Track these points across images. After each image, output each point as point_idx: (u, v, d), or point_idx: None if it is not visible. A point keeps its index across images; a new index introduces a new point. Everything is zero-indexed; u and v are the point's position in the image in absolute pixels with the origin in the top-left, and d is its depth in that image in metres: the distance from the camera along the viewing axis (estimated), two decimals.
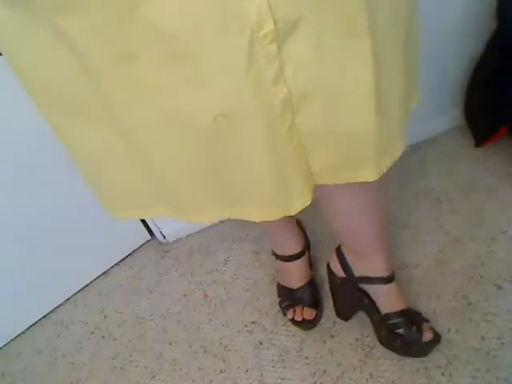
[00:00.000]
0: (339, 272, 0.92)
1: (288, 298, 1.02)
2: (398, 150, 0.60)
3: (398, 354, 0.92)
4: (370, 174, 0.58)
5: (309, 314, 0.99)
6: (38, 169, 1.04)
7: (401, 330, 0.89)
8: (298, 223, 1.09)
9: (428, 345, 0.89)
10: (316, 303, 1.02)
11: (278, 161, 0.54)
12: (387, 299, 0.90)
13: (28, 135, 0.98)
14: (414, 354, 0.91)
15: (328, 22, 0.45)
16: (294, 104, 0.49)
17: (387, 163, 0.59)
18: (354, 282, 0.90)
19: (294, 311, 1.00)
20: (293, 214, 0.60)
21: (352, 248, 0.88)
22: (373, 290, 0.90)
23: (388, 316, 0.90)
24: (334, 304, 0.99)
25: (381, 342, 0.94)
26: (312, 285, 1.03)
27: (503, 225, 1.07)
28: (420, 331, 0.89)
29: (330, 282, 0.97)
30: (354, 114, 0.52)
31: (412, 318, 0.90)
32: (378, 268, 0.87)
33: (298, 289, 1.02)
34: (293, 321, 1.00)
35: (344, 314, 0.99)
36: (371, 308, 0.92)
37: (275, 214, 0.61)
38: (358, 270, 0.89)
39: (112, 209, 0.72)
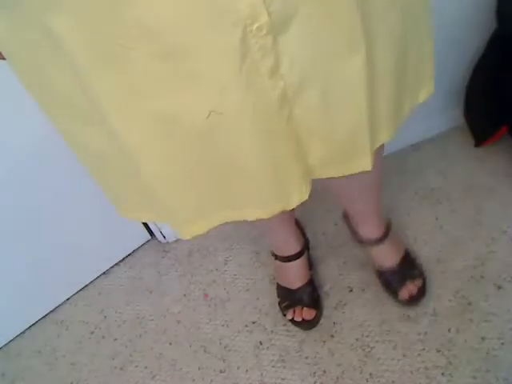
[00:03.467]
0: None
1: (287, 298, 1.02)
2: (383, 139, 0.60)
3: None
4: (366, 164, 0.58)
5: (308, 314, 0.99)
6: (38, 169, 1.04)
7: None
8: (297, 223, 1.09)
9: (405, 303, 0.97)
10: (315, 303, 1.02)
11: (276, 156, 0.53)
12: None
13: (28, 135, 0.98)
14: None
15: (322, 16, 0.45)
16: (291, 96, 0.49)
17: (373, 151, 0.59)
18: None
19: (294, 311, 1.00)
20: (290, 208, 0.59)
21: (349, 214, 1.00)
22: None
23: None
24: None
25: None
26: (311, 285, 1.03)
27: (503, 225, 1.07)
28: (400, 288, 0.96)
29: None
30: (347, 102, 0.52)
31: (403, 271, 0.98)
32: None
33: (298, 289, 1.02)
34: (292, 321, 1.00)
35: None
36: None
37: (272, 211, 0.60)
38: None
39: (116, 207, 0.72)
